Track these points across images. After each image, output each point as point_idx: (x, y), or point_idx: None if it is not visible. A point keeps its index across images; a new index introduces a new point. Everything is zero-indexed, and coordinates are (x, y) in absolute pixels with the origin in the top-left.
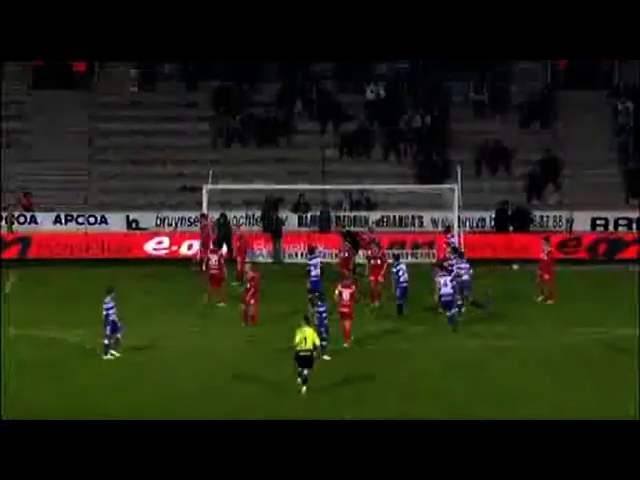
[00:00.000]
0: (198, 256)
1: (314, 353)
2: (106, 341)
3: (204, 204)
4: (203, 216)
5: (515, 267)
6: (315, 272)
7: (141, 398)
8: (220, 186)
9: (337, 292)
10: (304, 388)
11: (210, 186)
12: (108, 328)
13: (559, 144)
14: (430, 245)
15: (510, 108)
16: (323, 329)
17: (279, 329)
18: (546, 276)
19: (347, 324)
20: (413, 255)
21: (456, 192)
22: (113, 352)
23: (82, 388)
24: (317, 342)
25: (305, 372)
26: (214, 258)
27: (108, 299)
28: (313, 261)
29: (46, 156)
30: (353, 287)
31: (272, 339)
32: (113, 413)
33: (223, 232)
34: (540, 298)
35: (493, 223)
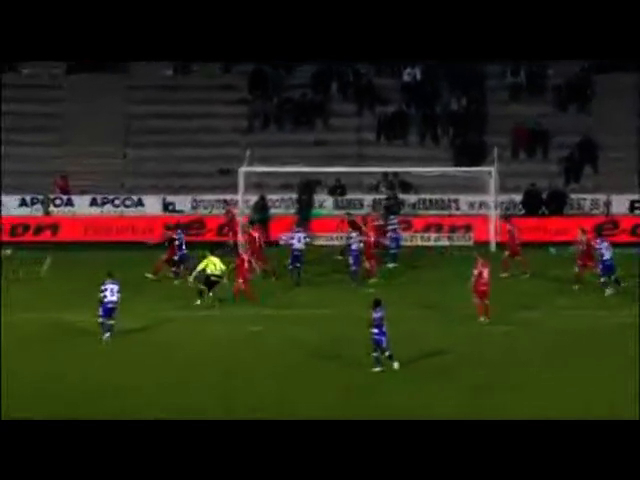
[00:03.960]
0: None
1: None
2: (100, 320)
3: (240, 187)
4: (226, 202)
5: (552, 251)
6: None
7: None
8: (256, 169)
9: (476, 272)
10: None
11: (246, 169)
12: (100, 310)
13: (596, 127)
14: (467, 228)
15: (547, 90)
16: (384, 338)
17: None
18: (589, 263)
19: (487, 301)
20: (449, 239)
21: (493, 175)
22: (108, 335)
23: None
24: (223, 268)
25: (210, 294)
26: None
27: (107, 282)
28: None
29: (82, 139)
30: (488, 265)
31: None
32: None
33: (261, 214)
34: (577, 286)
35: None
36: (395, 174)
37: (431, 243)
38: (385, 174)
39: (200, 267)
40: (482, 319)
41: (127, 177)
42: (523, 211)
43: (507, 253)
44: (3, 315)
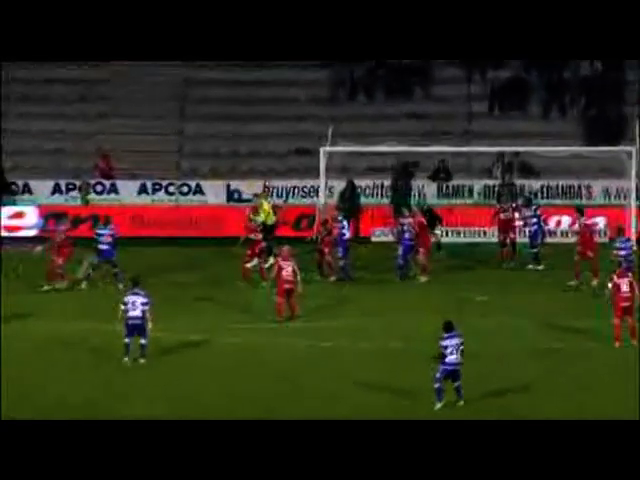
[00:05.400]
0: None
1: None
2: (126, 340)
3: (322, 170)
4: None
5: None
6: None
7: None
8: (341, 148)
9: (613, 283)
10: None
11: (329, 148)
12: (125, 329)
13: None
14: (601, 221)
15: None
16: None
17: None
18: (589, 253)
19: (630, 320)
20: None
21: (634, 155)
22: (132, 358)
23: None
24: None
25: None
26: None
27: (130, 292)
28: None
29: (129, 111)
30: (630, 275)
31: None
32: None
33: (349, 204)
34: (574, 282)
35: None
36: (514, 155)
37: (557, 239)
38: (500, 155)
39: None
40: (618, 344)
41: (183, 158)
42: None
43: None
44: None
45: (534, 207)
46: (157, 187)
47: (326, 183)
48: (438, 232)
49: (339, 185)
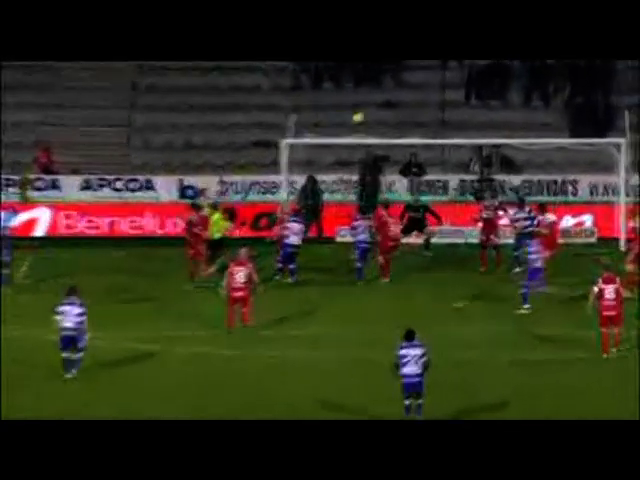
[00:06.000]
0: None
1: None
2: (63, 355)
3: (283, 165)
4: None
5: None
6: None
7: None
8: (304, 140)
9: (596, 289)
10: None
11: (291, 140)
12: (60, 342)
13: None
14: (588, 220)
15: None
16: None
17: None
18: (549, 253)
19: (616, 329)
20: (564, 234)
21: (623, 148)
22: (73, 371)
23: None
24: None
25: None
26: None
27: (64, 303)
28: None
29: (72, 99)
30: (617, 281)
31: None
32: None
33: (311, 201)
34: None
35: None
36: (493, 147)
37: None
38: (478, 147)
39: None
40: (606, 356)
41: (132, 151)
42: None
43: (630, 261)
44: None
45: (528, 208)
46: (103, 183)
47: (288, 178)
48: (431, 230)
49: (302, 180)
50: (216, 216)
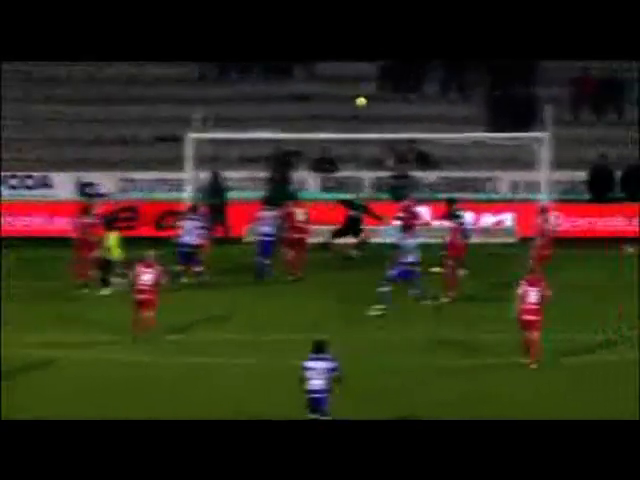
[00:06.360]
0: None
1: None
2: None
3: (188, 161)
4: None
5: (630, 250)
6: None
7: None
8: (210, 135)
9: (521, 292)
10: None
11: (196, 135)
12: None
13: None
14: (508, 219)
15: None
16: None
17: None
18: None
19: (534, 335)
20: (484, 233)
21: (545, 143)
22: None
23: None
24: None
25: None
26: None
27: None
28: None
29: None
30: (543, 284)
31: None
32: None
33: (215, 199)
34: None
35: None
36: (408, 142)
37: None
38: (393, 142)
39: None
40: (528, 361)
41: (26, 147)
42: (588, 195)
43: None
44: None
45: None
46: None
47: (194, 175)
48: (367, 236)
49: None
50: (112, 239)
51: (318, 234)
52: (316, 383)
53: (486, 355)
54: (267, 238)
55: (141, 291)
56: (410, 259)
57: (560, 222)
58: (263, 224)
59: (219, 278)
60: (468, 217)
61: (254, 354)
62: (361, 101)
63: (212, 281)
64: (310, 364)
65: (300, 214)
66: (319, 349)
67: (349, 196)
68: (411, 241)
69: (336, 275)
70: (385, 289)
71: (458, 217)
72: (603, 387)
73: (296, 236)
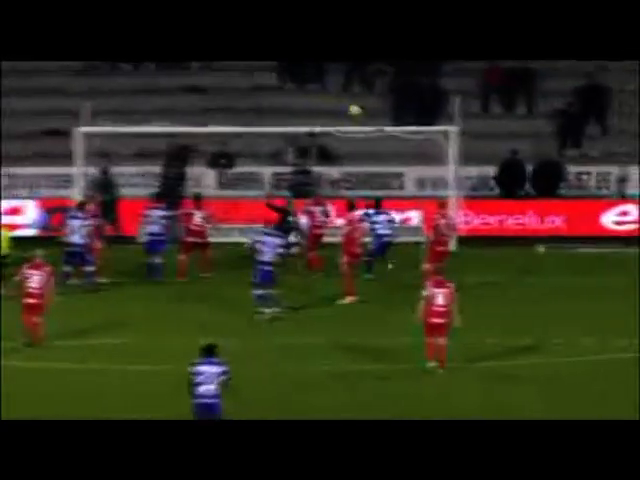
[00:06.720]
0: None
1: None
2: None
3: (77, 156)
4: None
5: (541, 249)
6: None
7: None
8: (100, 129)
9: (427, 294)
10: None
11: (85, 129)
12: None
13: (605, 67)
14: (414, 217)
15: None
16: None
17: None
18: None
19: (440, 340)
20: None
21: (452, 137)
22: None
23: None
24: None
25: None
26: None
27: None
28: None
29: None
30: (450, 286)
31: None
32: None
33: (106, 196)
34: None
35: (496, 183)
36: (309, 136)
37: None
38: (293, 136)
39: None
40: (432, 364)
41: None
42: (497, 190)
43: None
44: None
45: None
46: None
47: (84, 171)
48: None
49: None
50: (2, 235)
51: (218, 233)
52: (207, 388)
53: (392, 360)
54: (155, 238)
55: (29, 295)
56: (265, 258)
57: (469, 219)
58: (151, 223)
59: (113, 279)
60: (387, 217)
61: (148, 360)
62: (355, 110)
63: (106, 283)
64: (199, 369)
65: (199, 216)
66: (209, 352)
67: (249, 193)
68: (270, 240)
69: (231, 275)
70: (259, 292)
71: (368, 215)
72: (516, 391)
73: (193, 240)
